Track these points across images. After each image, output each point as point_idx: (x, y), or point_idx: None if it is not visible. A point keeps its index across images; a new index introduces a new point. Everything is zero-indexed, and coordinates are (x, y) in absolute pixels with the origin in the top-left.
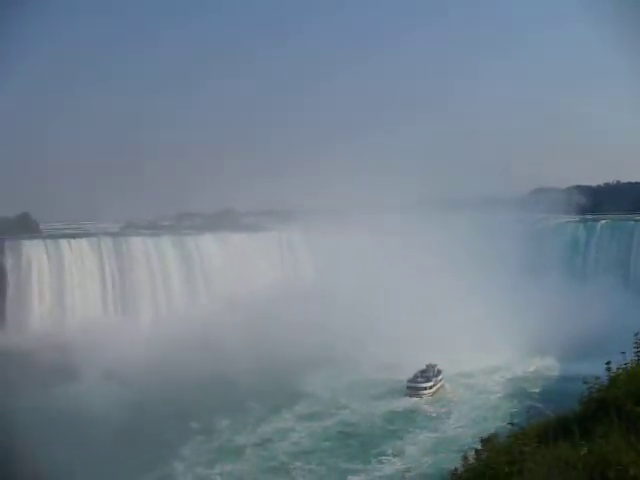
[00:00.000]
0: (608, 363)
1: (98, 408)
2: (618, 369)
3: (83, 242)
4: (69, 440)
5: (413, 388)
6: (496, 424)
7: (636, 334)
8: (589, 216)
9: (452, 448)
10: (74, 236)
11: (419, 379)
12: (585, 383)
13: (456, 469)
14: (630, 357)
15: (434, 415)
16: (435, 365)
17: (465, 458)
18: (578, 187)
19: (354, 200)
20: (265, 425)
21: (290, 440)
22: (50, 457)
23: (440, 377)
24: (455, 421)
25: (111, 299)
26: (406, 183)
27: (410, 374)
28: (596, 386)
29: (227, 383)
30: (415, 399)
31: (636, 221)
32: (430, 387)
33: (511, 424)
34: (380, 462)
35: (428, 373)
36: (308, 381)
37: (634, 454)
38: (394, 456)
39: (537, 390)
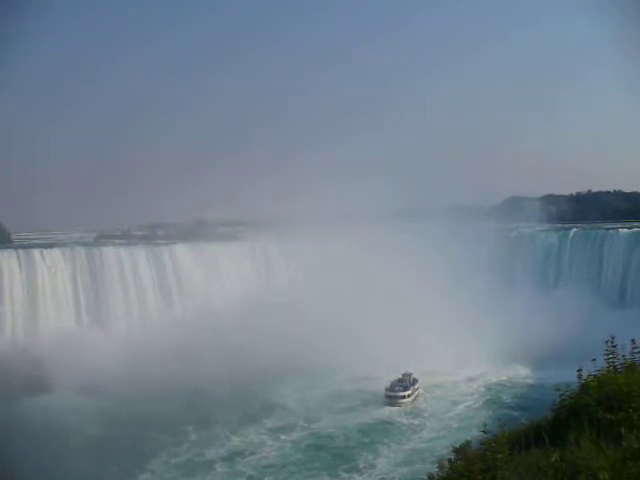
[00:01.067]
0: (579, 370)
1: (70, 420)
2: (589, 376)
3: (56, 252)
4: (38, 453)
5: (392, 397)
6: (471, 433)
7: (607, 341)
8: (561, 225)
9: (427, 459)
10: (47, 246)
11: (397, 388)
12: (557, 390)
13: (431, 475)
14: (601, 364)
15: (408, 426)
16: (411, 374)
17: (441, 466)
18: (551, 196)
19: (328, 209)
20: (236, 438)
21: (260, 454)
22: (18, 470)
23: (417, 386)
24: (430, 431)
25: (84, 310)
26: (380, 192)
27: (383, 385)
28: (568, 393)
29: (200, 394)
30: (389, 410)
31: (607, 229)
32: (408, 395)
33: (484, 432)
34: (351, 476)
35: (405, 382)
36: (280, 392)
37: (603, 459)
38: (366, 469)
39: (511, 398)
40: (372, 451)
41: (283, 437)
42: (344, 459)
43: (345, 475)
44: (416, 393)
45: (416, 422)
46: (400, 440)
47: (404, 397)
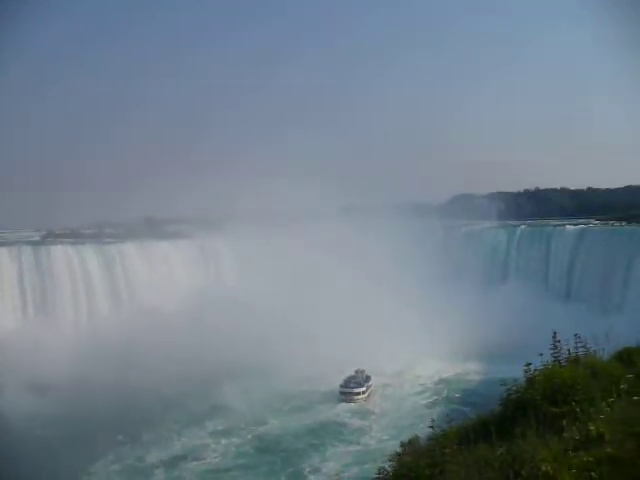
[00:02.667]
0: (528, 365)
1: (17, 422)
2: (535, 371)
3: (2, 251)
4: None
5: (347, 394)
6: (424, 430)
7: (553, 337)
8: (509, 222)
9: (379, 458)
10: None
11: (351, 384)
12: (504, 385)
13: (380, 471)
14: (548, 359)
15: (358, 425)
16: (363, 370)
17: (390, 460)
18: (499, 193)
19: (276, 207)
20: (180, 441)
21: (203, 458)
22: None
23: (370, 382)
24: (381, 429)
25: (32, 309)
26: (328, 189)
27: (334, 384)
28: (514, 388)
29: (147, 394)
30: (340, 408)
31: (554, 226)
32: (363, 392)
33: (432, 427)
34: (297, 478)
35: (358, 379)
36: (228, 393)
37: (547, 451)
38: (312, 472)
39: (461, 394)
40: (321, 452)
41: (228, 440)
42: (291, 462)
43: (291, 478)
44: (370, 390)
45: (367, 420)
46: (350, 440)
47: (359, 394)
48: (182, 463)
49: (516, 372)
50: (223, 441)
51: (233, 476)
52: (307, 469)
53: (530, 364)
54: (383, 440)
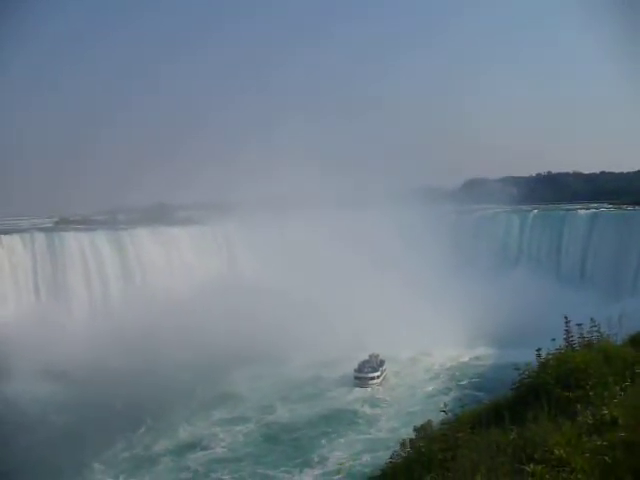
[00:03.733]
0: (539, 350)
1: (32, 409)
2: (548, 355)
3: (15, 238)
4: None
5: (361, 378)
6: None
7: (565, 322)
8: (521, 206)
9: (391, 446)
10: (6, 232)
11: (366, 369)
12: (516, 369)
13: (392, 455)
14: (560, 343)
15: (370, 413)
16: (377, 355)
17: (403, 445)
18: (511, 178)
19: (289, 193)
20: (189, 429)
21: (211, 447)
22: None
23: (384, 367)
24: (394, 416)
25: (45, 296)
26: (342, 177)
27: (345, 369)
28: (527, 372)
29: (159, 380)
30: (351, 396)
31: (566, 211)
32: (378, 377)
33: (444, 412)
34: (305, 468)
35: (372, 363)
36: (239, 379)
37: (559, 436)
38: (321, 462)
39: (473, 378)
40: (331, 441)
41: (237, 428)
42: (299, 451)
43: (300, 467)
44: (384, 374)
45: (379, 409)
46: (362, 428)
47: (373, 378)
48: (188, 452)
49: (529, 357)
50: (232, 429)
51: (240, 466)
52: (316, 459)
53: (540, 349)
54: (395, 428)
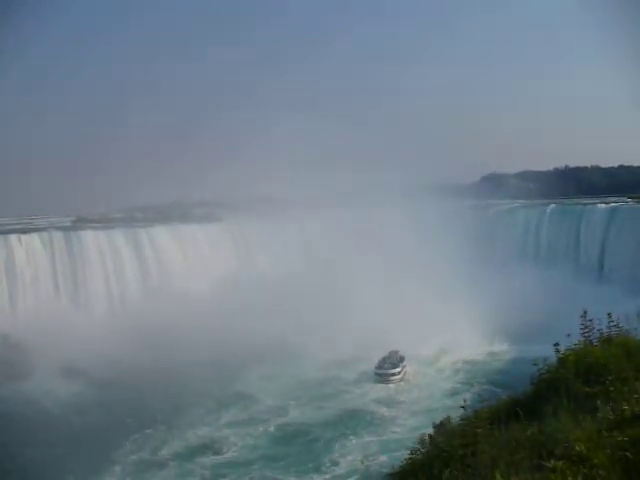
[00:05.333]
0: (556, 345)
1: (49, 406)
2: (567, 350)
3: (34, 237)
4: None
5: (382, 375)
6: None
7: (581, 316)
8: (539, 201)
9: (409, 446)
10: (24, 231)
11: (386, 365)
12: (535, 365)
13: (412, 452)
14: (578, 338)
15: (387, 413)
16: (397, 351)
17: (422, 441)
18: (528, 172)
19: (307, 191)
20: (201, 430)
21: (221, 450)
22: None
23: (404, 363)
24: (412, 415)
25: (64, 294)
26: (357, 172)
27: (363, 368)
28: (546, 367)
29: (176, 379)
30: (367, 396)
31: (585, 205)
32: (398, 373)
33: (464, 408)
34: (316, 472)
35: (392, 359)
36: (254, 378)
37: (580, 431)
38: (333, 465)
39: (493, 375)
40: (345, 443)
41: (248, 431)
42: (311, 455)
43: (313, 471)
44: (404, 370)
45: (396, 409)
46: (378, 429)
47: (394, 374)
48: (198, 455)
49: (548, 352)
50: (244, 431)
51: (248, 470)
52: (327, 463)
53: (558, 344)
54: (415, 427)
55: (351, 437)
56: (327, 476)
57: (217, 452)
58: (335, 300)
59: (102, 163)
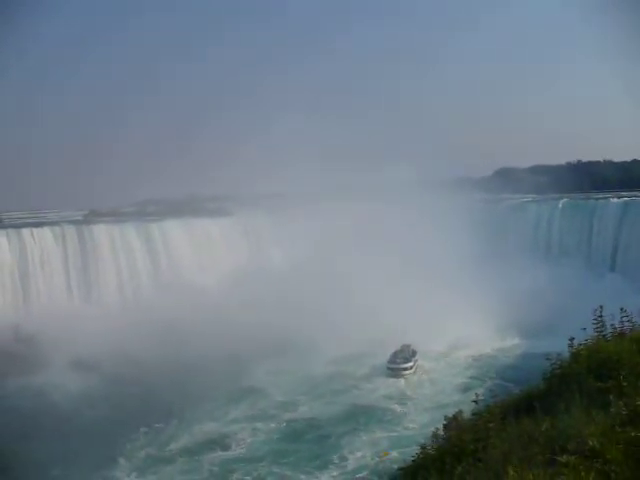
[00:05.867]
0: (571, 340)
1: (59, 400)
2: (579, 345)
3: (46, 231)
4: (17, 434)
5: (394, 369)
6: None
7: (595, 311)
8: (550, 195)
9: (420, 443)
10: (37, 225)
11: (398, 359)
12: (548, 360)
13: (424, 446)
14: (591, 333)
15: (397, 409)
16: (409, 345)
17: (433, 436)
18: (540, 166)
19: (319, 186)
20: (209, 426)
21: (230, 446)
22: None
23: (416, 357)
24: (423, 411)
25: (76, 287)
26: (368, 168)
27: (373, 364)
28: (558, 362)
29: (188, 373)
30: (377, 392)
31: (597, 199)
32: (410, 367)
33: (475, 402)
34: (324, 469)
35: (405, 353)
36: (265, 371)
37: (593, 426)
38: (341, 462)
39: (504, 370)
40: (355, 440)
41: (256, 426)
42: (319, 452)
43: (322, 467)
44: (416, 365)
45: (406, 405)
46: (388, 425)
47: (407, 369)
48: (206, 451)
49: (559, 347)
50: (253, 427)
51: (254, 467)
52: (335, 460)
53: (573, 339)
54: (426, 424)
55: (361, 433)
56: (334, 473)
57: (226, 448)
58: (346, 295)
59: (115, 155)
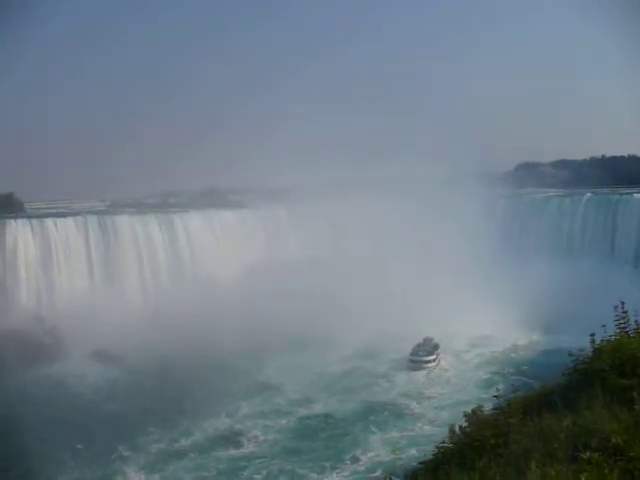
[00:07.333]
0: (592, 335)
1: (78, 391)
2: (602, 341)
3: (69, 221)
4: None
5: (417, 362)
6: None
7: (616, 307)
8: (574, 190)
9: (439, 441)
10: (60, 215)
11: (421, 352)
12: (570, 355)
13: (443, 441)
14: (613, 330)
15: (415, 406)
16: (432, 338)
17: (452, 430)
18: (564, 161)
19: (339, 180)
20: (223, 422)
21: (243, 443)
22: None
23: (439, 350)
24: (442, 408)
25: (98, 278)
26: (390, 162)
27: (392, 359)
28: (581, 358)
29: (206, 366)
30: (394, 391)
31: (621, 194)
32: (433, 360)
33: (496, 397)
34: (337, 467)
35: (427, 346)
36: (284, 366)
37: (616, 424)
38: (354, 462)
39: (527, 366)
40: (369, 438)
41: (274, 421)
42: (332, 451)
43: (337, 465)
44: (439, 358)
45: (424, 403)
46: (405, 423)
47: (429, 362)
48: (217, 447)
49: (581, 343)
50: (269, 422)
51: (265, 465)
52: (347, 460)
53: (594, 335)
54: (447, 420)
55: (377, 431)
56: (346, 472)
57: (239, 445)
58: (368, 292)
59: (138, 148)
